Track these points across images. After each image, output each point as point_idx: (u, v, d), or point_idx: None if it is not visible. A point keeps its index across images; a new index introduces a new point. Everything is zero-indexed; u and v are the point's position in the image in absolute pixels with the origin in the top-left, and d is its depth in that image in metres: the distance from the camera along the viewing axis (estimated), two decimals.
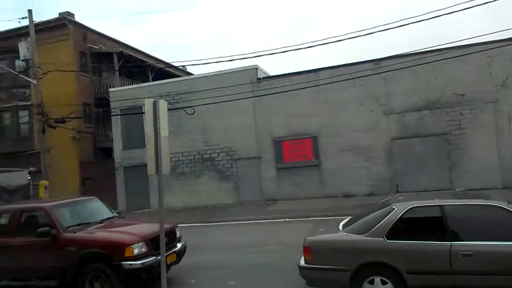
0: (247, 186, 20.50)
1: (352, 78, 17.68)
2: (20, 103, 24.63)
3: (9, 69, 21.28)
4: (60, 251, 6.91)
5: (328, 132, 19.14)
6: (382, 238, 5.46)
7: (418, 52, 16.84)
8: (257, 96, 19.91)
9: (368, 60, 18.60)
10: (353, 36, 16.66)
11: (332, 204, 16.37)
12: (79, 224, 7.47)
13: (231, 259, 9.27)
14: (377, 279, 5.41)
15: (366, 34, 17.88)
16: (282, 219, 14.52)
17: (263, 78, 20.74)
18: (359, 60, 18.95)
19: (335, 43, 22.67)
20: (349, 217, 6.79)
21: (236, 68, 20.84)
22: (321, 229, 6.69)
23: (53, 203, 7.82)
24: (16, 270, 7.37)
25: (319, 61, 65.96)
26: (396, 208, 5.70)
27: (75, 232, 7.11)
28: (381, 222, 5.62)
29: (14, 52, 22.33)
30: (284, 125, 19.95)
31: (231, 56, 46.28)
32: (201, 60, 59.03)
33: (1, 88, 24.99)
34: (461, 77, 17.30)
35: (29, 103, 24.10)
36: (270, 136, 20.26)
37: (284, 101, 19.53)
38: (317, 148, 19.32)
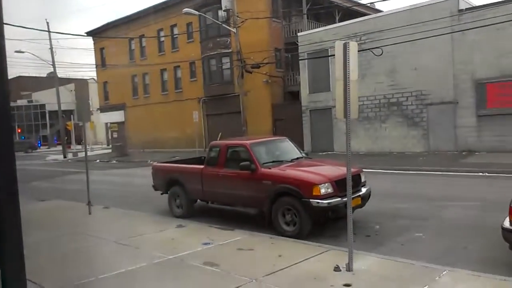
0: (439, 134, 18.80)
1: None
2: (223, 51, 27.71)
3: (214, 20, 23.91)
4: (258, 183, 7.82)
5: None
6: None
7: None
8: (457, 31, 17.43)
9: None
10: None
11: None
12: (273, 161, 8.26)
13: (420, 210, 8.87)
14: None
15: None
16: (481, 173, 12.97)
17: (466, 9, 17.91)
18: None
19: None
20: None
21: (432, 0, 18.51)
22: None
23: (252, 141, 8.78)
24: (224, 196, 8.72)
25: None
26: None
27: (270, 168, 7.89)
28: None
29: (217, 3, 24.97)
30: (491, 64, 17.11)
31: None
32: None
33: (209, 37, 28.48)
34: None
35: (229, 50, 26.93)
36: (470, 78, 17.76)
37: (491, 36, 16.63)
38: None
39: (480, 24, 16.04)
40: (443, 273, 5.12)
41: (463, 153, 17.59)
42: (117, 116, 38.00)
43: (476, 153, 17.23)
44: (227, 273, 5.51)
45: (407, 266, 5.48)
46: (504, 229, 5.30)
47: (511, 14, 15.23)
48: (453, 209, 8.73)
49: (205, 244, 6.88)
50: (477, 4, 18.39)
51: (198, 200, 9.63)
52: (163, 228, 8.16)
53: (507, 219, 5.31)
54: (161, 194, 10.29)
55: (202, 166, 9.24)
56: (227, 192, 8.56)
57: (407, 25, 17.81)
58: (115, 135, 38.21)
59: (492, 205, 8.22)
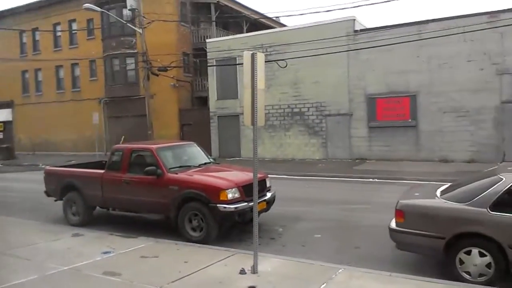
0: (336, 143, 20.25)
1: (462, 33, 16.00)
2: (127, 51, 26.56)
3: (117, 18, 22.83)
4: (164, 189, 7.63)
5: (429, 90, 17.80)
6: (486, 209, 5.11)
7: None
8: (352, 50, 19.03)
9: (483, 12, 16.53)
10: None
11: (427, 168, 15.56)
12: (180, 166, 8.14)
13: (319, 213, 9.44)
14: (475, 251, 5.14)
15: None
16: (371, 179, 14.24)
17: (361, 30, 19.66)
18: (472, 12, 16.99)
19: None
20: (449, 184, 6.44)
21: (332, 20, 19.99)
22: (416, 193, 6.46)
23: (158, 145, 8.54)
24: (127, 202, 8.32)
25: (426, 14, 60.59)
26: (504, 179, 5.25)
27: (177, 173, 7.75)
28: (486, 192, 5.24)
29: (122, 1, 23.95)
30: (380, 81, 18.96)
31: (329, 6, 44.36)
32: (296, 10, 57.46)
33: (111, 36, 27.09)
34: None
35: (135, 51, 25.91)
36: (363, 93, 19.47)
37: (381, 56, 18.45)
38: (415, 108, 18.18)
39: (372, 45, 17.75)
40: (339, 271, 5.52)
41: (357, 160, 19.18)
42: (3, 115, 33.94)
43: (367, 160, 18.92)
44: (129, 283, 5.26)
45: (307, 265, 5.80)
46: (391, 230, 5.90)
47: (398, 37, 17.08)
48: (348, 212, 9.46)
49: (105, 253, 6.51)
50: (370, 26, 20.33)
51: (98, 207, 9.08)
52: (57, 238, 7.52)
53: (394, 221, 5.93)
54: (55, 201, 9.50)
55: (102, 171, 8.75)
56: (130, 198, 8.19)
57: (309, 41, 18.93)
58: (0, 135, 34.29)
59: (380, 207, 9.06)
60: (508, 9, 16.11)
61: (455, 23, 16.50)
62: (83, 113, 28.17)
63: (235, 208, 7.11)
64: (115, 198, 8.47)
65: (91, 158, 18.38)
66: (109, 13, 23.29)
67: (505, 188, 5.15)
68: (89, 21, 28.71)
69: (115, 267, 5.80)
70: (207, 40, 24.24)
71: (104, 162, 9.77)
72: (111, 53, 26.98)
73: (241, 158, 22.18)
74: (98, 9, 20.77)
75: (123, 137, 24.30)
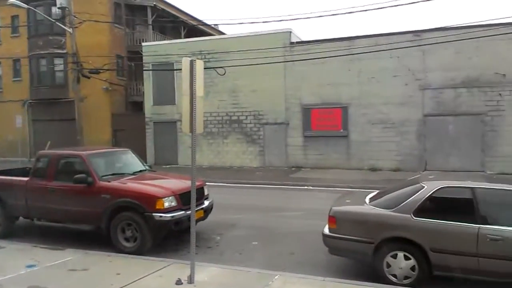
0: (273, 151, 20.62)
1: (389, 49, 17.15)
2: (56, 51, 25.10)
3: (46, 16, 21.49)
4: (95, 198, 7.27)
5: (358, 103, 18.80)
6: (410, 215, 5.49)
7: (463, 26, 16.17)
8: (288, 61, 19.58)
9: (408, 31, 17.87)
10: (395, 4, 16.00)
11: (357, 176, 16.37)
12: (113, 174, 7.81)
13: (256, 220, 9.53)
14: (400, 254, 5.50)
15: (408, 4, 17.08)
16: (306, 187, 14.67)
17: (296, 42, 20.30)
18: (398, 31, 18.26)
19: (376, 10, 21.72)
20: (377, 191, 6.83)
21: (269, 31, 20.44)
22: (347, 200, 6.76)
23: (89, 152, 8.14)
24: (54, 212, 7.79)
25: (356, 29, 64.16)
26: (426, 187, 5.68)
27: (109, 181, 7.43)
28: (409, 199, 5.63)
29: None
30: (314, 92, 19.68)
31: (267, 17, 45.32)
32: (235, 19, 58.13)
33: (38, 34, 25.44)
34: (505, 56, 16.48)
35: (64, 51, 24.56)
36: (299, 103, 20.07)
37: (315, 68, 19.18)
38: (346, 119, 19.08)
39: (307, 57, 18.41)
40: (275, 277, 5.61)
41: (292, 168, 19.67)
42: None
43: (303, 168, 19.47)
44: None
45: (244, 273, 5.82)
46: (324, 235, 6.12)
47: (330, 51, 17.90)
48: (283, 219, 9.66)
49: (29, 266, 6.05)
50: (306, 39, 21.06)
51: (21, 217, 8.43)
52: None
53: (327, 227, 6.16)
54: None
55: (26, 178, 8.16)
56: (57, 208, 7.69)
57: (248, 50, 19.20)
58: None
59: (315, 214, 9.35)
60: (430, 29, 17.56)
61: (383, 40, 17.68)
62: (5, 116, 26.08)
63: (172, 217, 6.96)
64: (40, 207, 7.93)
65: (13, 164, 17.02)
66: (36, 10, 21.85)
67: (427, 195, 5.57)
68: (14, 17, 26.75)
69: (41, 282, 5.42)
70: (143, 44, 23.60)
71: (28, 168, 9.14)
72: (37, 52, 25.31)
73: (178, 166, 21.78)
74: (24, 5, 19.43)
75: (49, 142, 22.76)
